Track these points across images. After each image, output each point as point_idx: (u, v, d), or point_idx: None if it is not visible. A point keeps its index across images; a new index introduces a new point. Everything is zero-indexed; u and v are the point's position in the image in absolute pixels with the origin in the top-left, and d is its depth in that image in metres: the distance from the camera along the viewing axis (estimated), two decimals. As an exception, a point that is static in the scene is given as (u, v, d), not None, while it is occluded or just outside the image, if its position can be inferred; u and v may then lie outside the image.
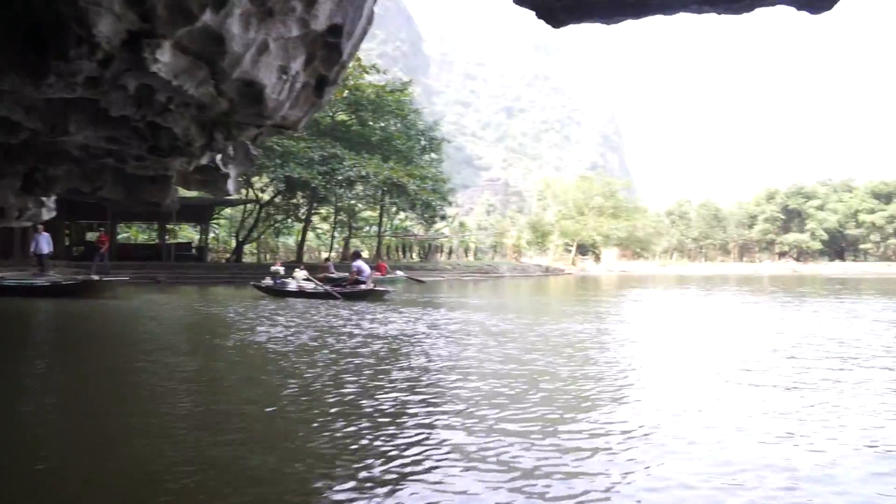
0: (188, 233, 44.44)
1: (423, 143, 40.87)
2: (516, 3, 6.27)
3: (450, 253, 53.82)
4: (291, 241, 48.17)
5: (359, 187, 33.70)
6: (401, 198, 34.31)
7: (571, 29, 6.30)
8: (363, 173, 29.52)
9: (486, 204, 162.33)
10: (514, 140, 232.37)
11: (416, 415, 4.59)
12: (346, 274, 17.83)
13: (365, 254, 48.17)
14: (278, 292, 16.70)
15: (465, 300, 16.91)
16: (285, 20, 5.84)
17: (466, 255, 56.79)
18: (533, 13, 6.14)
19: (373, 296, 16.05)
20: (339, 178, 29.95)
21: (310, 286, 16.74)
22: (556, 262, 67.02)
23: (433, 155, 42.60)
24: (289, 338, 8.64)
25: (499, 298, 18.21)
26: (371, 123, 36.24)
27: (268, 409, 4.80)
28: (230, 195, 11.05)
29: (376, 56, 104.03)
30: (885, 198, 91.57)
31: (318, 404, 4.97)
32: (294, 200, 36.32)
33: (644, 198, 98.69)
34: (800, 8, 5.65)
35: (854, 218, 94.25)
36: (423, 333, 9.18)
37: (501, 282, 35.49)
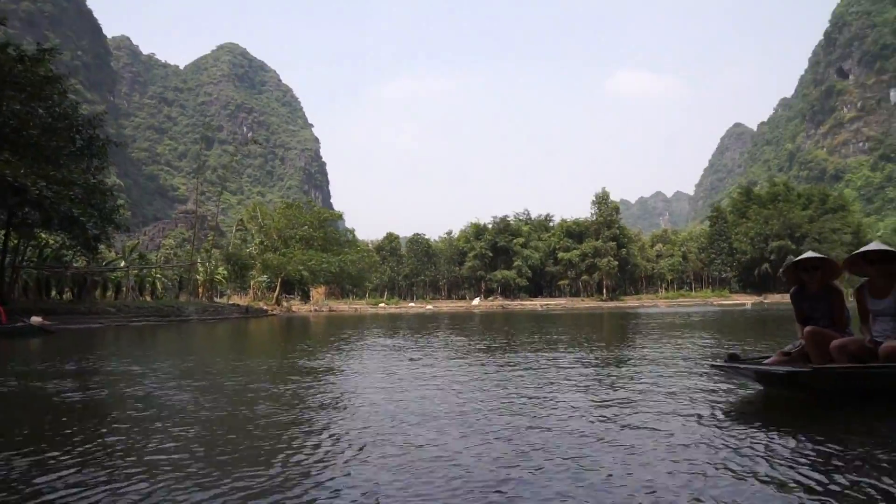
0: None
1: (78, 141, 30.38)
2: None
3: (117, 291, 42.20)
4: None
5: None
6: (25, 208, 23.55)
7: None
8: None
9: (179, 237, 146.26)
10: (214, 172, 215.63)
11: None
12: None
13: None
14: None
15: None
16: None
17: (143, 294, 45.43)
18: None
19: None
20: None
21: None
22: (258, 302, 58.49)
23: (96, 161, 32.06)
24: None
25: (146, 367, 10.25)
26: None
27: None
28: None
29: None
30: (577, 237, 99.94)
31: None
32: None
33: (353, 234, 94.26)
34: None
35: (553, 255, 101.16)
36: None
37: (185, 328, 26.62)
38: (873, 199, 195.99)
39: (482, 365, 9.11)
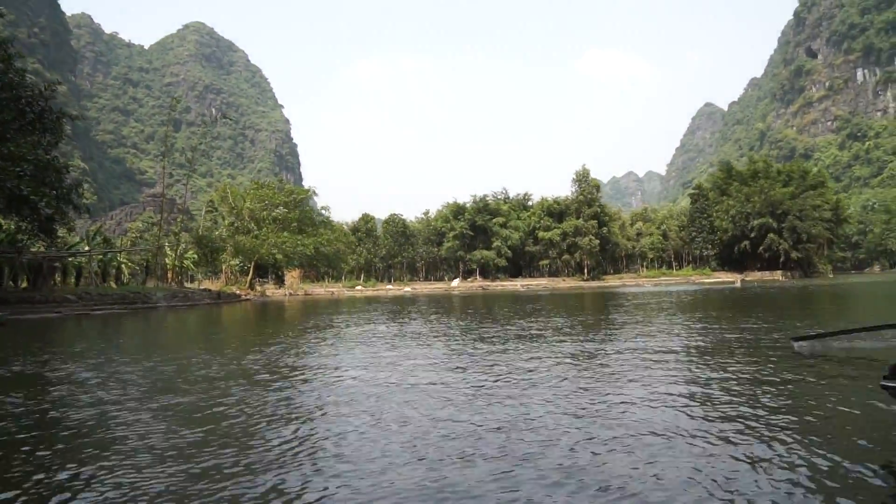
0: None
1: (29, 115, 27.82)
2: None
3: (78, 277, 39.60)
4: None
5: None
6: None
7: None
8: None
9: (147, 221, 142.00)
10: (182, 155, 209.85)
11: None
12: None
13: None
14: None
15: None
16: None
17: (107, 281, 42.79)
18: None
19: None
20: None
21: None
22: (230, 287, 56.07)
23: (48, 136, 29.51)
24: None
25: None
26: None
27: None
28: None
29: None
30: (557, 216, 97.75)
31: None
32: None
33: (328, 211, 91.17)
34: None
35: (532, 235, 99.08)
36: None
37: (152, 317, 24.50)
38: (841, 177, 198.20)
39: (494, 361, 7.35)
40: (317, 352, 9.51)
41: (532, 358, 7.61)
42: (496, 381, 6.08)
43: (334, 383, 6.33)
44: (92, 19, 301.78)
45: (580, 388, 5.57)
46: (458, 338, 10.96)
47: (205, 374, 7.22)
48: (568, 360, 7.29)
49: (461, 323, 15.23)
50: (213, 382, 6.45)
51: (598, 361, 7.19)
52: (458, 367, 7.07)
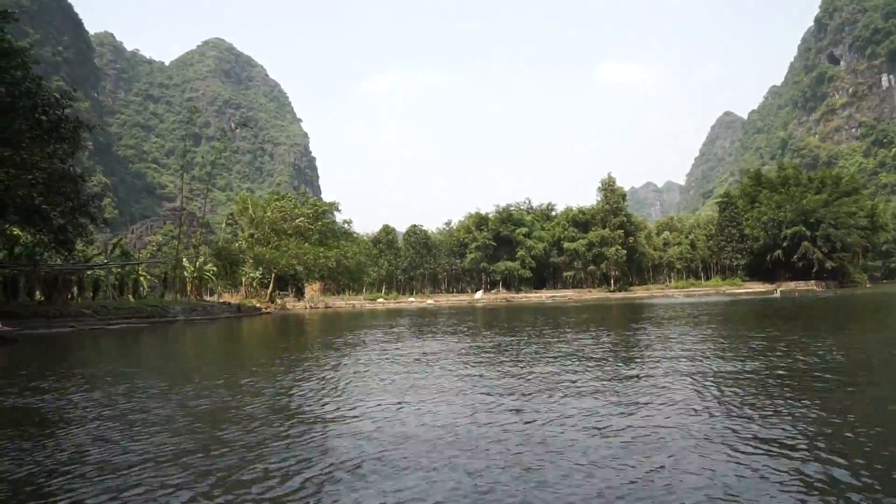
0: None
1: (45, 122, 26.84)
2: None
3: (96, 290, 38.61)
4: None
5: None
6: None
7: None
8: None
9: (168, 235, 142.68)
10: (202, 169, 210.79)
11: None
12: None
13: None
14: None
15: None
16: None
17: (124, 293, 41.75)
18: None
19: None
20: None
21: None
22: (251, 300, 55.01)
23: (65, 145, 28.54)
24: None
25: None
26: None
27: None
28: None
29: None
30: (582, 226, 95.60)
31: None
32: None
33: (349, 224, 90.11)
34: None
35: (557, 245, 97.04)
36: None
37: (171, 332, 23.36)
38: (867, 184, 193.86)
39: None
40: (364, 378, 8.21)
41: (613, 392, 6.18)
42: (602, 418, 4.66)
43: (401, 427, 5.08)
44: (114, 37, 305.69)
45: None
46: (521, 359, 9.53)
47: (248, 411, 5.90)
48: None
49: (508, 339, 13.79)
50: (258, 428, 5.09)
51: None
52: (540, 397, 5.66)
